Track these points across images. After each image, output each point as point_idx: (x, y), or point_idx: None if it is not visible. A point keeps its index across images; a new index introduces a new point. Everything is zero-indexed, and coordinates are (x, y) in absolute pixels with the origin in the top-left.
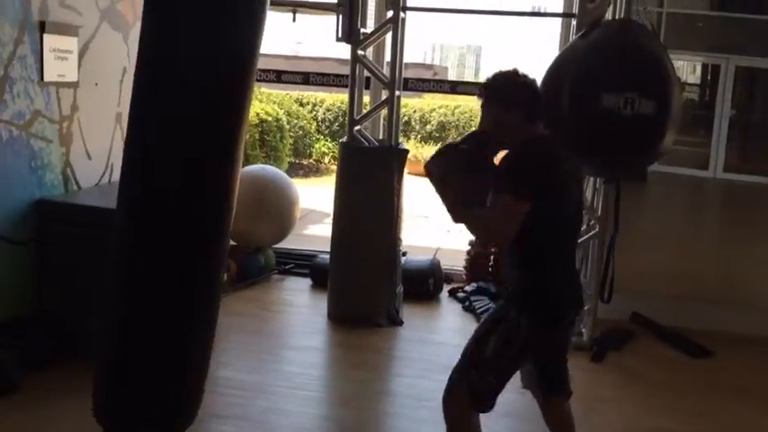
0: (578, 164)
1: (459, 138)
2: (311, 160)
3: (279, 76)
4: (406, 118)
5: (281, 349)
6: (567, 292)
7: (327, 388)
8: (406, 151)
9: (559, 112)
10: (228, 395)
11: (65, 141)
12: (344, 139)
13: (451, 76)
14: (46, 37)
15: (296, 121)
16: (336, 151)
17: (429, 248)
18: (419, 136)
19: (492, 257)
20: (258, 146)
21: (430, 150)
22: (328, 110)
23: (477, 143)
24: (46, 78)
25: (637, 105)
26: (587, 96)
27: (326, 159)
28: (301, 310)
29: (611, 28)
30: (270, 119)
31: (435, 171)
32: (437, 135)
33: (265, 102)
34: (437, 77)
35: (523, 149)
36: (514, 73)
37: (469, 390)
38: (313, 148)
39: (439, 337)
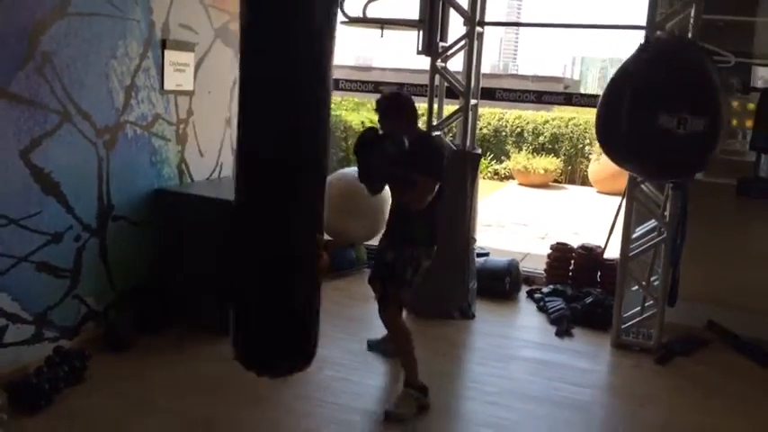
0: None
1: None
2: None
3: (376, 87)
4: (519, 129)
5: (358, 332)
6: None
7: (390, 365)
8: (479, 155)
9: (619, 127)
10: None
11: (181, 141)
12: None
13: (591, 89)
14: (167, 53)
15: None
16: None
17: (519, 253)
18: (531, 147)
19: (572, 262)
20: None
21: (541, 162)
22: None
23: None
24: (166, 87)
25: (689, 125)
26: (644, 116)
27: None
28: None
29: (665, 45)
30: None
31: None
32: (549, 146)
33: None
34: (566, 90)
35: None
36: (399, 92)
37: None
38: None
39: (505, 330)
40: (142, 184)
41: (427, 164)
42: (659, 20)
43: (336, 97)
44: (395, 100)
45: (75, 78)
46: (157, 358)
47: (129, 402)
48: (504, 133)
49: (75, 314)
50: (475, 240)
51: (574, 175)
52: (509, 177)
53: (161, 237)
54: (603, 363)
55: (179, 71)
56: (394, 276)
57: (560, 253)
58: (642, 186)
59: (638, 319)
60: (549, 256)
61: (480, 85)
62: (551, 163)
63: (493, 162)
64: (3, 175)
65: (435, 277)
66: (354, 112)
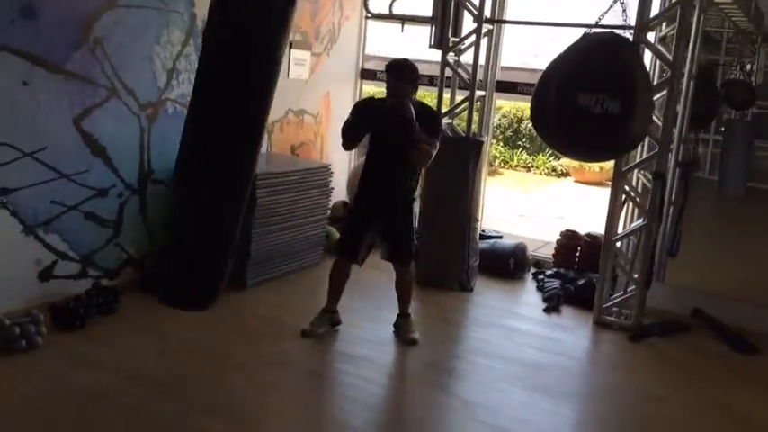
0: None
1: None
2: None
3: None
4: None
5: (374, 300)
6: None
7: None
8: (481, 142)
9: (549, 105)
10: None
11: None
12: None
13: None
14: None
15: None
16: (507, 156)
17: (541, 241)
18: None
19: (579, 249)
20: None
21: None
22: (504, 116)
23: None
24: None
25: (606, 105)
26: (568, 95)
27: (496, 162)
28: None
29: (599, 38)
30: None
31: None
32: None
33: None
34: None
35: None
36: (407, 60)
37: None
38: None
39: (497, 303)
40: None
41: (437, 126)
42: (646, 20)
43: (372, 87)
44: (411, 65)
45: (122, 60)
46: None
47: (147, 330)
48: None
49: (116, 259)
50: (477, 221)
51: None
52: (567, 174)
53: None
54: (578, 336)
55: None
56: (413, 231)
57: (568, 240)
58: (627, 176)
59: (619, 299)
60: (557, 242)
61: (496, 78)
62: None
63: (551, 158)
64: (57, 137)
65: (436, 252)
66: None
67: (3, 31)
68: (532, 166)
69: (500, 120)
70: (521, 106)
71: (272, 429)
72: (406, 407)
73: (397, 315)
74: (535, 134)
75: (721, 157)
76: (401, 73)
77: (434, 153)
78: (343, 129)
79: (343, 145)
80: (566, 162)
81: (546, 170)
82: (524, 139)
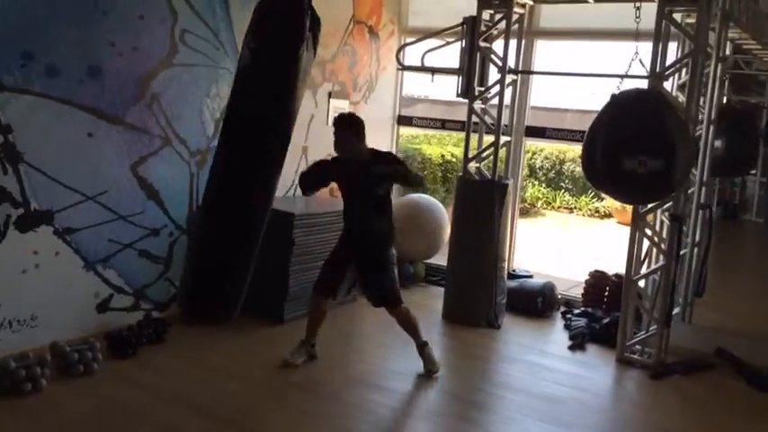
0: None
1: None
2: (526, 204)
3: (443, 124)
4: None
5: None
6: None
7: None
8: (506, 185)
9: (597, 168)
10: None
11: None
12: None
13: None
14: None
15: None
16: (550, 197)
17: (573, 281)
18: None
19: (607, 289)
20: (440, 182)
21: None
22: (546, 158)
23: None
24: None
25: (648, 165)
26: (612, 161)
27: (539, 203)
28: (427, 310)
29: (627, 97)
30: (454, 160)
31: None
32: None
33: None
34: None
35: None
36: (351, 114)
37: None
38: (525, 192)
39: (523, 340)
40: None
41: (394, 159)
42: (661, 70)
43: (415, 131)
44: (353, 119)
45: (175, 112)
46: (224, 333)
47: (191, 359)
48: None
49: (166, 293)
50: (504, 260)
51: None
52: (610, 215)
53: None
54: (600, 373)
55: None
56: (388, 274)
57: (597, 280)
58: (647, 218)
59: (642, 337)
60: (586, 282)
61: (526, 123)
62: None
63: (594, 200)
64: (117, 182)
65: (463, 290)
66: (430, 146)
67: (72, 89)
68: (575, 207)
69: (542, 161)
70: (563, 148)
71: None
72: None
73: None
74: (577, 175)
75: (766, 199)
76: (344, 126)
77: (414, 174)
78: (300, 178)
79: (302, 192)
80: (608, 203)
81: (589, 211)
82: (567, 181)
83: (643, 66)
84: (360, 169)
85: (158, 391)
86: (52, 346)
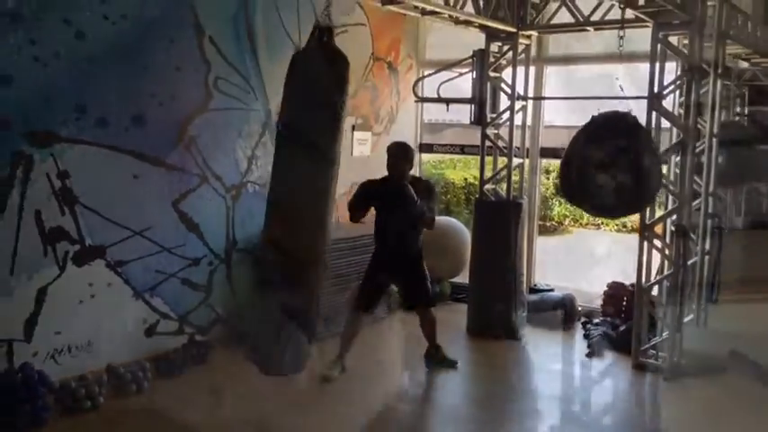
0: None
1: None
2: (553, 222)
3: (462, 148)
4: None
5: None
6: None
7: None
8: (520, 204)
9: (572, 183)
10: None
11: None
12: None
13: None
14: None
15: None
16: (576, 214)
17: (596, 293)
18: None
19: (625, 298)
20: (464, 204)
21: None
22: None
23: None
24: None
25: (618, 178)
26: (587, 176)
27: (567, 221)
28: (452, 326)
29: (604, 118)
30: (476, 183)
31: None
32: None
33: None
34: None
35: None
36: (405, 143)
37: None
38: (552, 210)
39: (542, 349)
40: (259, 225)
41: (432, 193)
42: (659, 91)
43: (439, 156)
44: (407, 148)
45: (211, 152)
46: None
47: (231, 377)
48: None
49: (207, 318)
50: (522, 275)
51: None
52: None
53: None
54: (612, 376)
55: None
56: (427, 280)
57: (615, 291)
58: (653, 228)
59: (655, 342)
60: (604, 293)
61: (540, 145)
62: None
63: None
64: (160, 218)
65: (486, 305)
66: (455, 170)
67: (119, 136)
68: (602, 223)
69: None
70: None
71: None
72: None
73: (428, 347)
74: None
75: None
76: (399, 155)
77: (432, 218)
78: (350, 204)
79: (350, 218)
80: (635, 218)
81: (616, 226)
82: None
83: (621, 89)
84: (402, 190)
85: (203, 406)
86: (108, 367)
